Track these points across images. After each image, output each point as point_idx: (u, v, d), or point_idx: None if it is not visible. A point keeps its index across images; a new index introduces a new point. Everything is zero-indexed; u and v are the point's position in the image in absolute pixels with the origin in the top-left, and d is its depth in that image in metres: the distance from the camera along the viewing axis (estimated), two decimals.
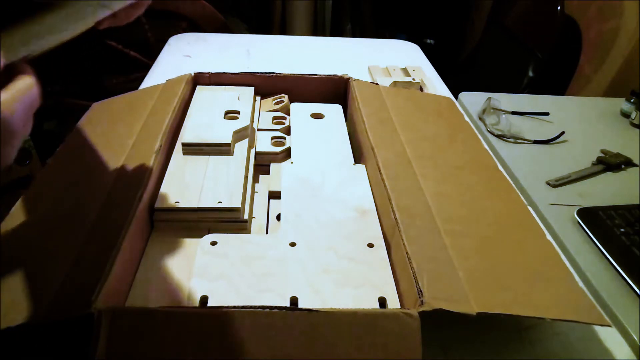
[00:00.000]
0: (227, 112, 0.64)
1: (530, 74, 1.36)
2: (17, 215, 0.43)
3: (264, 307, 0.35)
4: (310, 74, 0.74)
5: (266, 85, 0.74)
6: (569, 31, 1.33)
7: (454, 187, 0.52)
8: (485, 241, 0.45)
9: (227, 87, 0.73)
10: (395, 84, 0.86)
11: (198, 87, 0.72)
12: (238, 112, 0.64)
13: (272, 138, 0.64)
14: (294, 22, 1.98)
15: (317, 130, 0.66)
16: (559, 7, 1.34)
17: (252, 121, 0.65)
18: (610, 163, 0.75)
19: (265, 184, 0.58)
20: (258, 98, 0.72)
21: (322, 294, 0.41)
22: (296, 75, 0.74)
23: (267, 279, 0.42)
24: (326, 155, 0.61)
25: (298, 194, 0.53)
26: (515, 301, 0.39)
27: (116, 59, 1.62)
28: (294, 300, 0.40)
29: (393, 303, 0.41)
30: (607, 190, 0.70)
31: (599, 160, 0.76)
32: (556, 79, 1.36)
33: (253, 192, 0.56)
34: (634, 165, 0.77)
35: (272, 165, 0.61)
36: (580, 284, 0.43)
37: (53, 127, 1.63)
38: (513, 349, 0.43)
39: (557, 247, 0.47)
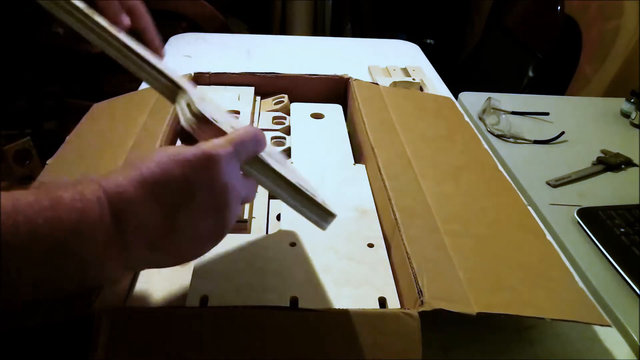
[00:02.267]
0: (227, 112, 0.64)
1: (530, 74, 1.36)
2: None
3: (264, 307, 0.35)
4: (310, 74, 0.74)
5: (266, 85, 0.74)
6: (569, 31, 1.33)
7: (454, 187, 0.52)
8: (485, 241, 0.45)
9: (227, 87, 0.73)
10: (395, 84, 0.86)
11: (198, 87, 0.72)
12: (238, 112, 0.64)
13: (272, 138, 0.64)
14: (294, 22, 1.98)
15: (317, 130, 0.66)
16: (559, 7, 1.34)
17: (252, 121, 0.65)
18: (610, 163, 0.75)
19: None
20: (258, 98, 0.72)
21: (322, 294, 0.41)
22: (296, 75, 0.74)
23: (267, 279, 0.42)
24: (326, 155, 0.61)
25: None
26: (515, 301, 0.39)
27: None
28: (294, 300, 0.40)
29: (393, 303, 0.41)
30: (607, 190, 0.70)
31: (599, 160, 0.76)
32: (556, 79, 1.36)
33: None
34: (634, 165, 0.77)
35: None
36: (580, 284, 0.43)
37: (53, 127, 1.63)
38: (513, 349, 0.42)
39: (557, 247, 0.47)
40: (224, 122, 0.36)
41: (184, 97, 0.36)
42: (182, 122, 0.34)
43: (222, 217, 0.33)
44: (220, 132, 0.34)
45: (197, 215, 0.31)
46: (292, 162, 0.59)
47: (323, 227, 0.38)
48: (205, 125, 0.34)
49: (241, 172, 0.35)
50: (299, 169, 0.57)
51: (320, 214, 0.38)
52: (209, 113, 0.34)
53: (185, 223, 0.31)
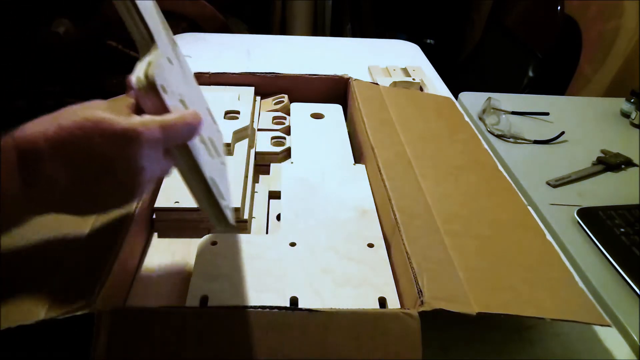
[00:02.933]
0: (227, 112, 0.64)
1: (530, 74, 1.36)
2: None
3: (264, 307, 0.35)
4: (310, 74, 0.74)
5: (266, 85, 0.74)
6: (569, 31, 1.33)
7: (454, 187, 0.52)
8: (485, 241, 0.45)
9: (227, 87, 0.73)
10: (395, 84, 0.86)
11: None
12: (238, 112, 0.64)
13: (272, 138, 0.64)
14: (294, 22, 1.98)
15: (317, 130, 0.66)
16: (559, 7, 1.34)
17: (252, 121, 0.65)
18: (610, 163, 0.75)
19: (265, 184, 0.58)
20: (258, 98, 0.72)
21: (322, 294, 0.41)
22: (296, 75, 0.74)
23: (267, 279, 0.42)
24: (326, 155, 0.61)
25: (298, 194, 0.53)
26: (515, 301, 0.39)
27: (116, 59, 1.63)
28: (294, 300, 0.40)
29: (393, 303, 0.41)
30: (607, 190, 0.70)
31: (599, 160, 0.76)
32: (556, 79, 1.36)
33: (253, 192, 0.56)
34: (634, 165, 0.77)
35: (272, 165, 0.61)
36: (580, 284, 0.43)
37: None
38: (513, 349, 0.42)
39: (557, 247, 0.47)
40: (176, 94, 0.34)
41: (153, 53, 0.34)
42: (133, 78, 0.32)
43: (130, 193, 0.33)
44: (162, 107, 0.33)
45: (104, 185, 0.31)
46: (292, 163, 0.59)
47: (216, 228, 0.39)
48: (151, 92, 0.32)
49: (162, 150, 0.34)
50: (299, 169, 0.57)
51: (217, 219, 0.38)
52: (162, 81, 0.32)
53: (91, 190, 0.31)
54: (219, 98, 0.67)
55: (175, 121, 0.33)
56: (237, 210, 0.49)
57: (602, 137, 0.84)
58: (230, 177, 0.53)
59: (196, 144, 0.36)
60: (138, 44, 0.35)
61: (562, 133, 0.83)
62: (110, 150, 0.30)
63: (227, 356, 0.33)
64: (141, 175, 0.32)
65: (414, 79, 0.88)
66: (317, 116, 0.69)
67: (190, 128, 0.34)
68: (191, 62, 0.97)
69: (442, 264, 0.41)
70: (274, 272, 0.43)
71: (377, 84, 0.75)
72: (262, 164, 0.61)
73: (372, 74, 0.93)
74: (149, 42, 0.34)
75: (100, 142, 0.30)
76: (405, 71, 0.94)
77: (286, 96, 0.73)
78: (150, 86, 0.32)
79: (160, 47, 0.34)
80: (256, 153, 0.61)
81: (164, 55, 0.35)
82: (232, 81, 0.73)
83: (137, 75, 0.32)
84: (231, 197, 0.42)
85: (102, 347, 0.32)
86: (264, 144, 0.63)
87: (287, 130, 0.67)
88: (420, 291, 0.38)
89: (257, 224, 0.52)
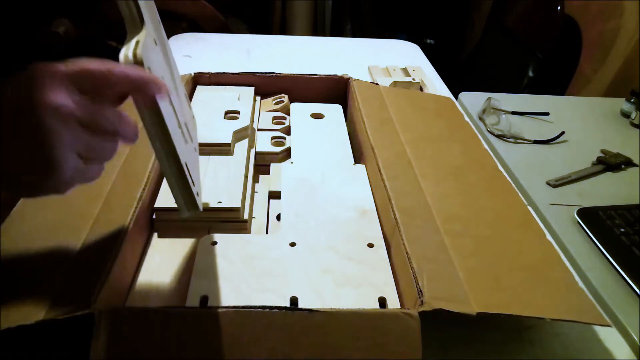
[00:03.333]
0: (227, 112, 0.64)
1: (530, 74, 1.36)
2: (18, 215, 0.43)
3: (264, 307, 0.35)
4: (310, 74, 0.74)
5: (266, 85, 0.74)
6: (569, 31, 1.33)
7: (454, 187, 0.52)
8: (485, 241, 0.45)
9: (227, 87, 0.73)
10: (395, 84, 0.86)
11: (198, 87, 0.72)
12: (238, 112, 0.64)
13: (272, 138, 0.64)
14: (294, 22, 1.98)
15: (317, 130, 0.66)
16: (559, 7, 1.34)
17: (252, 121, 0.65)
18: (610, 163, 0.75)
19: (265, 184, 0.58)
20: (258, 98, 0.72)
21: (322, 294, 0.41)
22: (296, 75, 0.74)
23: (267, 279, 0.42)
24: (326, 155, 0.61)
25: (298, 194, 0.53)
26: (515, 301, 0.39)
27: (116, 59, 1.62)
28: (294, 300, 0.40)
29: (393, 303, 0.41)
30: (607, 190, 0.70)
31: (599, 160, 0.76)
32: (556, 79, 1.36)
33: (253, 192, 0.56)
34: (634, 165, 0.77)
35: (272, 165, 0.61)
36: (580, 284, 0.43)
37: None
38: (513, 349, 0.43)
39: (557, 247, 0.47)
40: (158, 77, 0.34)
41: (141, 33, 0.34)
42: (121, 56, 0.32)
43: (45, 144, 0.29)
44: None
45: (17, 139, 0.29)
46: (292, 163, 0.59)
47: (181, 214, 0.39)
48: None
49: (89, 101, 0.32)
50: (299, 169, 0.57)
51: (185, 203, 0.38)
52: (149, 62, 0.32)
53: (8, 149, 0.29)
54: (219, 98, 0.67)
55: (89, 67, 0.31)
56: (237, 210, 0.49)
57: (602, 137, 0.84)
58: (231, 177, 0.53)
59: (175, 129, 0.36)
60: (126, 21, 0.35)
61: (562, 133, 0.83)
62: (17, 92, 0.28)
63: (227, 356, 0.33)
64: (46, 111, 0.28)
65: (414, 79, 0.88)
66: (317, 116, 0.69)
67: (108, 78, 0.31)
68: (191, 62, 0.98)
69: (442, 264, 0.41)
70: (274, 272, 0.43)
71: (377, 84, 0.75)
72: (262, 164, 0.61)
73: (372, 74, 0.93)
74: (138, 21, 0.34)
75: (14, 86, 0.29)
76: (405, 71, 0.94)
77: (286, 96, 0.73)
78: (139, 65, 0.32)
79: (147, 27, 0.35)
80: (256, 153, 0.61)
81: (151, 36, 0.35)
82: (232, 81, 0.73)
83: (126, 54, 0.32)
84: (199, 184, 0.43)
85: (101, 347, 0.32)
86: (264, 144, 0.63)
87: (287, 130, 0.67)
88: (420, 291, 0.38)
89: (257, 224, 0.52)
